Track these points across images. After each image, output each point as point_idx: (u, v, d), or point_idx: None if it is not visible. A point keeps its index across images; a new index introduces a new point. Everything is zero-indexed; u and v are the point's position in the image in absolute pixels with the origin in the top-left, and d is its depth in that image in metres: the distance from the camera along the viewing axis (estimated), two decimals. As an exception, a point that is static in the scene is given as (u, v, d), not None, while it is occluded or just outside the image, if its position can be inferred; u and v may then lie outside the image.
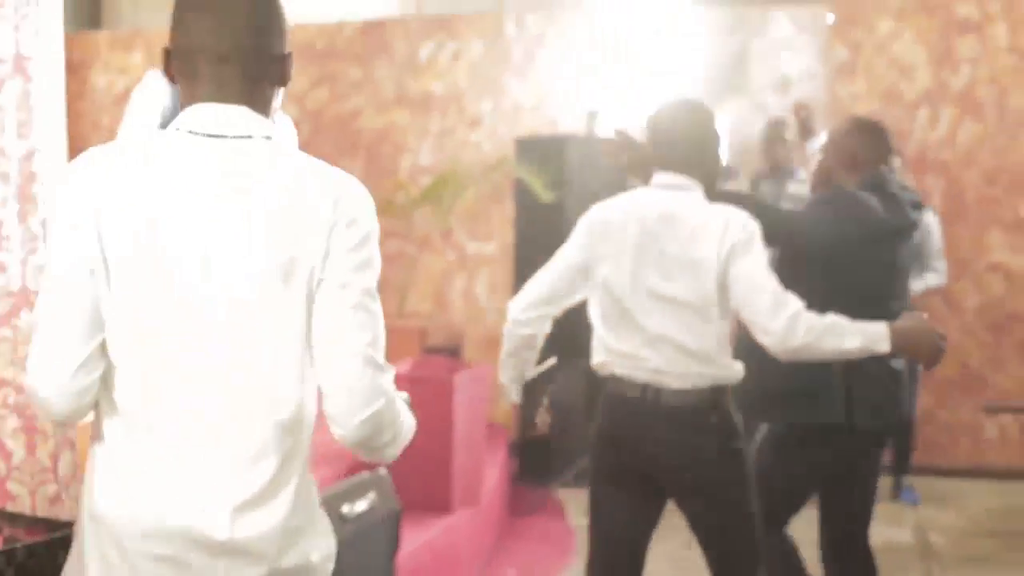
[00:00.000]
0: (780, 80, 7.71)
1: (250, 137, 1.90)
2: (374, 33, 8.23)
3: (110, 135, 9.73)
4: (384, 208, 6.44)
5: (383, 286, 2.01)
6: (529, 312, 3.39)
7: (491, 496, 5.45)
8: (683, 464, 3.25)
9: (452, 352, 7.11)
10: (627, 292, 3.28)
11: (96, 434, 1.93)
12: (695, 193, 3.33)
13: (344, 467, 4.37)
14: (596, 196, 3.78)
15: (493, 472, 5.61)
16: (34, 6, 3.07)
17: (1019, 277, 7.24)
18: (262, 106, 1.95)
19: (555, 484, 6.22)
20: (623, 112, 7.52)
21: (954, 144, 7.36)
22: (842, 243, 3.65)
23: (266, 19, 1.93)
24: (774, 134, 6.46)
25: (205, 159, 1.86)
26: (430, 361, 5.45)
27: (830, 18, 7.48)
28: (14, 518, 2.79)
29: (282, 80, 1.98)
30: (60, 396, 1.87)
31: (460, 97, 8.11)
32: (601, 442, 3.38)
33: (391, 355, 2.04)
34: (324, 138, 8.20)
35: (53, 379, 1.86)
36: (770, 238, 3.39)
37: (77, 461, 2.97)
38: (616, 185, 6.03)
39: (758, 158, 6.63)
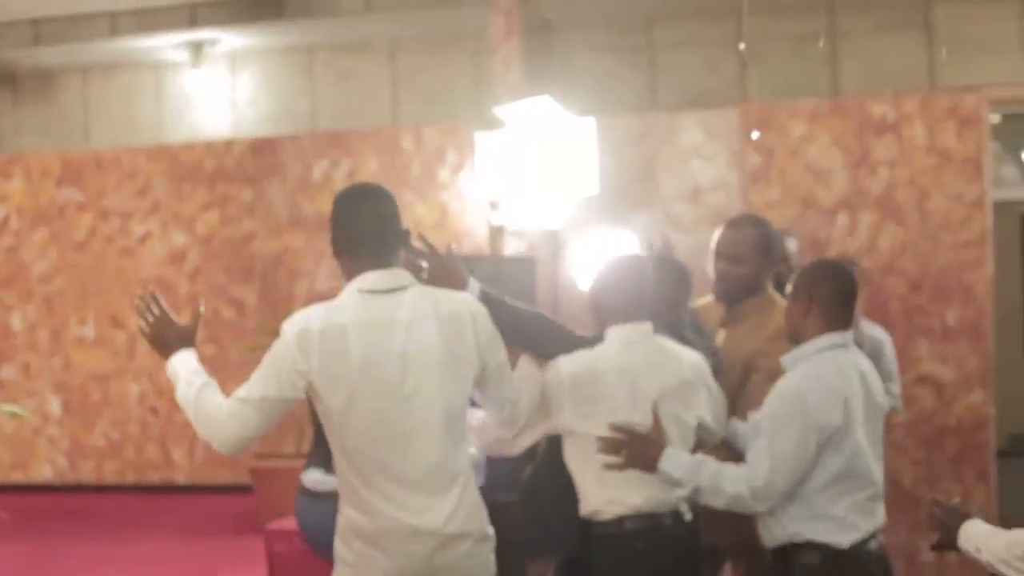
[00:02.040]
0: (691, 189, 7.36)
1: (404, 288, 2.97)
2: (265, 152, 7.82)
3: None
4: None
5: None
6: None
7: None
8: None
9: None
10: None
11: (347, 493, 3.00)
12: None
13: None
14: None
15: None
16: None
17: (949, 389, 6.83)
18: (399, 264, 3.01)
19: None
20: (529, 226, 7.12)
21: (875, 250, 7.01)
22: None
23: (393, 208, 3.05)
24: None
25: (383, 306, 2.93)
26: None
27: (755, 135, 7.08)
28: None
29: (406, 245, 3.06)
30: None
31: (357, 216, 7.67)
32: None
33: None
34: (216, 264, 7.74)
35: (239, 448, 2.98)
36: None
37: None
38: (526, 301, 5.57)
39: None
